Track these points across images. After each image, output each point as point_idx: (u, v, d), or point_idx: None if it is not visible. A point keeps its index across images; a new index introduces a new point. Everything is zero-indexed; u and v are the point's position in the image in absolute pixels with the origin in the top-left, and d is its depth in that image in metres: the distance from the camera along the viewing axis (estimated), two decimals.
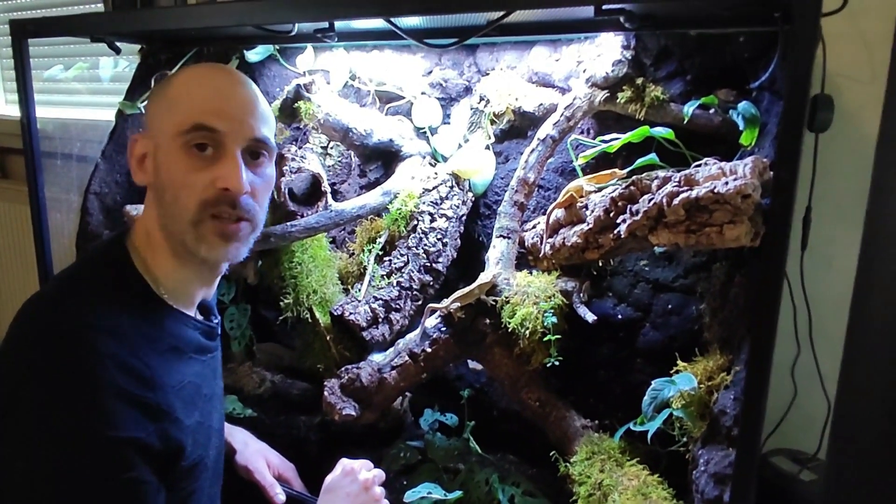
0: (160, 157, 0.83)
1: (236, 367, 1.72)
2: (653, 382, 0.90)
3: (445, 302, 1.14)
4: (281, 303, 1.28)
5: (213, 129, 0.80)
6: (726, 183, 0.87)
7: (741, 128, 0.97)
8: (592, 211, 1.05)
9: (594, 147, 1.09)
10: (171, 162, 0.81)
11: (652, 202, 0.94)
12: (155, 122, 0.85)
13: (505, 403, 1.33)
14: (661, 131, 1.04)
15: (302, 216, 1.27)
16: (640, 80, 1.12)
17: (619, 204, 1.00)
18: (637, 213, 0.96)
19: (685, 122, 1.05)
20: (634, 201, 0.98)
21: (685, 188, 0.91)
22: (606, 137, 1.10)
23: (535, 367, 1.11)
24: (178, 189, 0.81)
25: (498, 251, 1.19)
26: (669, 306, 1.18)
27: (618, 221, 1.00)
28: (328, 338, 1.23)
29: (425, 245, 1.24)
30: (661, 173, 0.97)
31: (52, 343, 0.72)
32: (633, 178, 0.99)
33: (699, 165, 0.95)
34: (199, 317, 0.93)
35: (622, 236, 0.99)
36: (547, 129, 1.19)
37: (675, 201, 0.91)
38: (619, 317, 1.22)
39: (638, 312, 1.20)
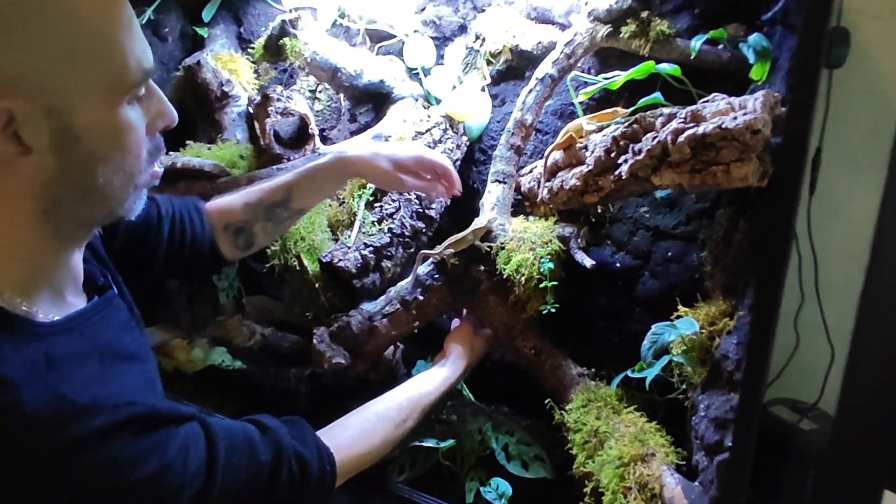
0: (81, 125, 0.60)
1: (226, 319, 1.69)
2: (653, 327, 0.86)
3: (438, 248, 1.09)
4: (268, 250, 1.24)
5: (152, 69, 0.65)
6: (735, 118, 0.83)
7: (751, 61, 0.92)
8: (593, 152, 1.00)
9: (595, 84, 1.03)
10: (115, 128, 0.62)
11: (655, 140, 0.89)
12: (36, 75, 0.57)
13: (499, 355, 1.30)
14: (666, 67, 0.98)
15: (288, 160, 1.21)
16: (644, 14, 1.05)
17: (621, 143, 0.95)
18: (639, 153, 0.92)
19: (692, 57, 1.00)
20: (637, 140, 0.93)
21: (691, 124, 0.86)
22: (609, 74, 1.04)
23: (530, 315, 1.07)
24: (124, 157, 0.64)
25: (493, 196, 1.14)
26: (669, 254, 1.14)
27: (619, 162, 0.95)
28: (317, 286, 1.19)
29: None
30: (666, 110, 0.92)
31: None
32: (637, 115, 0.94)
33: (707, 101, 0.90)
34: (77, 305, 0.71)
35: (623, 177, 0.94)
36: (546, 67, 1.13)
37: (681, 138, 0.86)
38: (618, 265, 1.18)
39: (637, 260, 1.16)
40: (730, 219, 1.03)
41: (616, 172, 0.96)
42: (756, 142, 0.81)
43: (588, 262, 1.00)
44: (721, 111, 0.85)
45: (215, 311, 1.76)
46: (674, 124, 0.88)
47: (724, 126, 0.82)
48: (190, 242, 1.01)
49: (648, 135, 0.91)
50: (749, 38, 0.93)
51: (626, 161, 0.94)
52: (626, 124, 0.94)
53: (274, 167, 1.18)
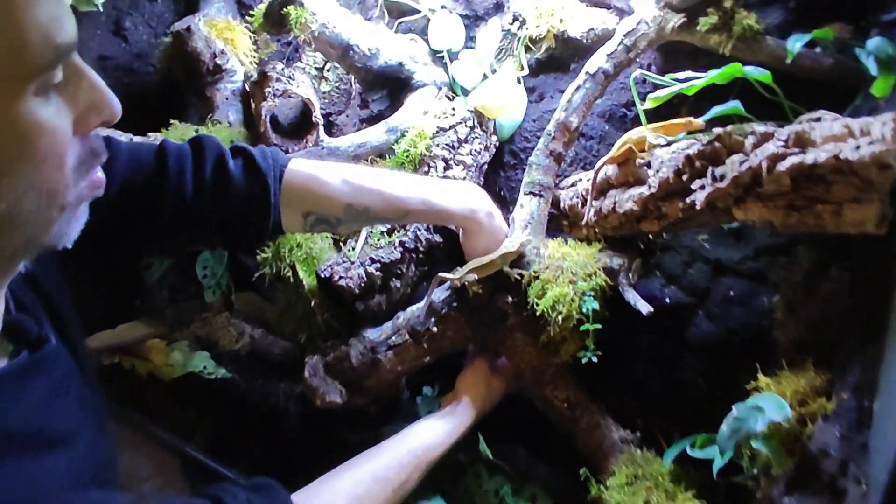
0: None
1: (212, 316, 1.52)
2: (734, 408, 0.69)
3: (459, 272, 0.91)
4: (258, 255, 1.06)
5: (70, 44, 0.47)
6: (857, 147, 0.64)
7: (873, 72, 0.73)
8: (658, 171, 0.81)
9: (665, 86, 0.84)
10: (16, 130, 0.45)
11: (745, 165, 0.71)
12: None
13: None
14: (755, 72, 0.79)
15: (287, 152, 1.03)
16: (728, 4, 0.86)
17: (697, 165, 0.77)
18: (721, 179, 0.74)
19: (788, 62, 0.81)
20: (718, 162, 0.75)
21: (795, 150, 0.68)
22: (679, 76, 0.85)
23: (564, 360, 0.90)
24: (36, 169, 0.47)
25: (526, 212, 0.96)
26: (731, 293, 0.97)
27: (693, 187, 0.77)
28: (312, 303, 1.01)
29: None
30: (759, 128, 0.73)
31: None
32: (718, 131, 0.76)
33: (812, 120, 0.71)
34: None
35: (697, 207, 0.76)
36: (599, 60, 0.95)
37: (781, 167, 0.68)
38: (668, 301, 1.00)
39: (691, 298, 0.99)
40: (815, 261, 0.86)
41: (688, 200, 0.77)
42: (883, 179, 0.63)
43: (643, 307, 0.82)
44: (836, 136, 0.67)
45: (201, 308, 1.59)
46: (771, 147, 0.69)
47: (842, 156, 0.64)
48: (239, 208, 0.80)
49: (735, 157, 0.73)
50: (869, 43, 0.74)
51: (702, 187, 0.76)
52: (706, 141, 0.76)
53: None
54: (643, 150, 0.84)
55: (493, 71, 1.09)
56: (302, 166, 0.84)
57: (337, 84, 1.30)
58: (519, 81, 1.08)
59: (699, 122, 0.82)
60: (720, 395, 0.98)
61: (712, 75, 0.79)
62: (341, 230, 0.92)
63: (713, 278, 0.98)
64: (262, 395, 1.34)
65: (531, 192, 0.98)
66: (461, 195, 0.92)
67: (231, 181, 0.79)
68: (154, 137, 1.09)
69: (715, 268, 0.98)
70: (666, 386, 0.99)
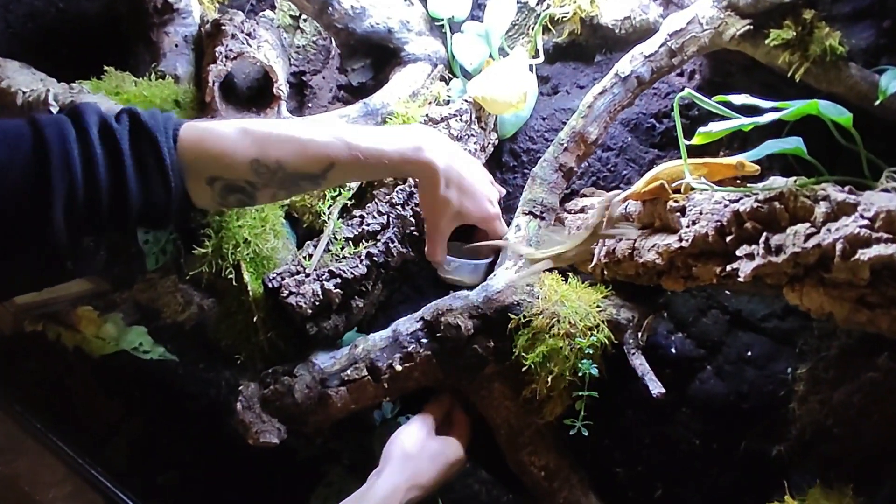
0: None
1: (157, 279, 1.35)
2: None
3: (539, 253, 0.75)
4: (194, 250, 0.89)
5: None
6: None
7: None
8: (694, 222, 0.65)
9: (719, 115, 0.67)
10: None
11: (812, 241, 0.56)
12: None
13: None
14: (834, 112, 0.62)
15: None
16: (808, 15, 0.68)
17: (748, 226, 0.61)
18: (777, 252, 0.58)
19: (877, 102, 0.64)
20: (776, 228, 0.59)
21: (884, 235, 0.52)
22: (735, 99, 0.67)
23: (547, 421, 0.76)
24: None
25: (523, 237, 0.80)
26: (749, 353, 0.85)
27: (738, 253, 0.61)
28: (255, 318, 0.85)
29: (416, 204, 0.84)
30: (835, 193, 0.57)
31: None
32: (780, 186, 0.59)
33: None
34: None
35: (739, 277, 0.61)
36: (634, 61, 0.77)
37: (862, 255, 0.52)
38: (673, 350, 0.87)
39: (701, 350, 0.87)
40: (859, 339, 0.72)
41: (728, 267, 0.62)
42: None
43: (653, 384, 0.68)
44: None
45: (143, 269, 1.42)
46: (852, 226, 0.54)
47: None
48: (135, 177, 0.65)
49: (799, 228, 0.57)
50: None
51: (750, 256, 0.60)
52: (763, 198, 0.59)
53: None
54: (677, 191, 0.68)
55: (502, 51, 0.90)
56: (197, 122, 0.69)
57: (315, 38, 1.09)
58: (531, 69, 0.89)
59: (753, 166, 0.66)
60: (714, 459, 0.87)
61: (783, 113, 0.62)
62: (262, 199, 0.73)
63: (729, 332, 0.86)
64: (201, 385, 1.19)
65: (531, 213, 0.81)
66: (401, 133, 0.74)
67: (120, 147, 0.63)
68: (79, 89, 0.89)
69: (733, 320, 0.86)
70: (656, 439, 0.88)
